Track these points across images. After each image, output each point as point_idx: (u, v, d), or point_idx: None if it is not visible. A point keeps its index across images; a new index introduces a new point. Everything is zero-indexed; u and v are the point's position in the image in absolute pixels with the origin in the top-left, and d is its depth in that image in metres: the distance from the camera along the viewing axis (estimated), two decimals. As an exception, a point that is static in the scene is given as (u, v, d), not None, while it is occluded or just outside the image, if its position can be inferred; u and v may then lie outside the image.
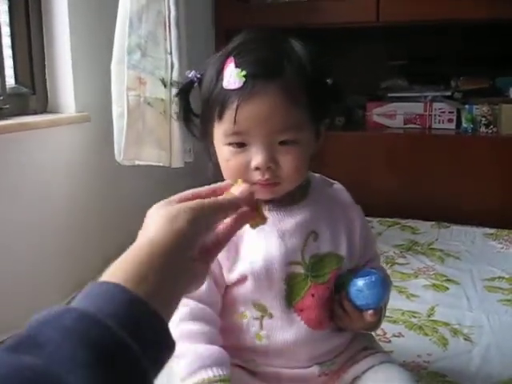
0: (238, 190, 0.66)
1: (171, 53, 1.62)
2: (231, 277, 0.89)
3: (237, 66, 0.80)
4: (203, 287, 0.81)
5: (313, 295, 0.89)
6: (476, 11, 2.14)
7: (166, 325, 0.50)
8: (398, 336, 1.33)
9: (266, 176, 0.82)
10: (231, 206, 0.63)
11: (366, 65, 2.55)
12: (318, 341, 0.91)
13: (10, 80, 1.58)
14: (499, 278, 1.70)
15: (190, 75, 0.90)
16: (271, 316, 0.89)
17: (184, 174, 1.82)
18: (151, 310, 0.48)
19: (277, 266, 0.87)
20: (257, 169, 0.81)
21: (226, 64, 0.82)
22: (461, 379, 1.15)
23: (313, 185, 0.94)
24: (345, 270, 0.93)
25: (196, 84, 0.90)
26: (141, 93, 1.61)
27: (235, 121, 0.80)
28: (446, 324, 1.40)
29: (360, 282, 0.88)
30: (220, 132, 0.84)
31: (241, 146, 0.82)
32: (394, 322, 1.39)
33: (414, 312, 1.45)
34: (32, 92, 1.63)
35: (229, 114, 0.81)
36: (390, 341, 1.31)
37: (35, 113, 1.62)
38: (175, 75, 1.62)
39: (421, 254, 1.92)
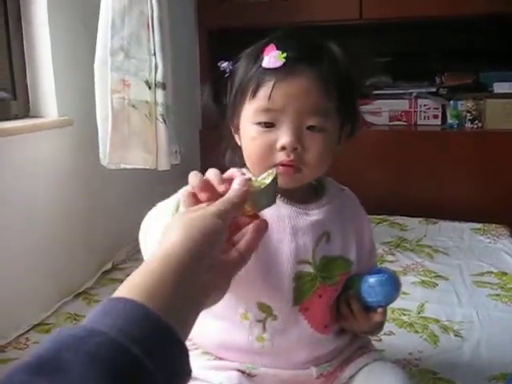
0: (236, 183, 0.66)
1: (155, 54, 1.61)
2: None
3: (278, 49, 0.83)
4: None
5: (320, 296, 0.89)
6: (459, 7, 2.15)
7: (187, 355, 0.50)
8: (388, 334, 1.33)
9: (291, 157, 0.82)
10: (241, 201, 0.64)
11: (351, 62, 2.54)
12: (319, 343, 0.91)
13: (-10, 85, 1.55)
14: (488, 272, 1.71)
15: (223, 65, 0.91)
16: (275, 318, 0.87)
17: (171, 176, 1.81)
18: (176, 338, 0.49)
19: (286, 263, 0.86)
20: (282, 149, 0.82)
21: (267, 48, 0.84)
22: (452, 376, 1.15)
23: (326, 187, 0.95)
24: (352, 275, 0.93)
25: (227, 75, 0.90)
26: (125, 95, 1.59)
27: (270, 97, 0.81)
28: (436, 320, 1.40)
29: (372, 279, 0.90)
30: (251, 109, 0.85)
31: (269, 126, 0.83)
32: (385, 320, 1.39)
33: (403, 310, 1.45)
34: (13, 97, 1.60)
35: (263, 91, 0.82)
36: (380, 339, 1.30)
37: (17, 118, 1.59)
38: (159, 76, 1.60)
39: (409, 250, 1.92)
